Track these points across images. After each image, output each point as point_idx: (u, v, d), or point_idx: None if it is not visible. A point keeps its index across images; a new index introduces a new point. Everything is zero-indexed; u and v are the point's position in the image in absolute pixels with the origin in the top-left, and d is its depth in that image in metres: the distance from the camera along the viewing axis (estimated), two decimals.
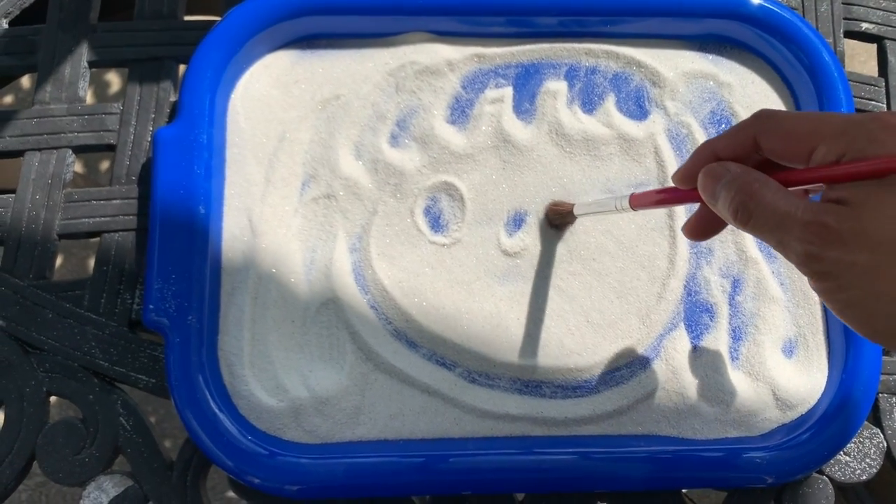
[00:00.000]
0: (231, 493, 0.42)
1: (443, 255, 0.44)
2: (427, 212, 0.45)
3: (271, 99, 0.45)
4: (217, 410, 0.40)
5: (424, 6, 0.46)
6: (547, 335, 0.43)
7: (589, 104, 0.47)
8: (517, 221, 0.45)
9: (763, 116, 0.30)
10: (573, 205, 0.42)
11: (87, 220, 0.44)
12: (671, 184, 0.34)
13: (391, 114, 0.45)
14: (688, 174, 0.32)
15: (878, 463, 0.43)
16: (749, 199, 0.28)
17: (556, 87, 0.46)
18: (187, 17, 0.49)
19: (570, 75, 0.47)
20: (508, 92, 0.46)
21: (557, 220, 0.44)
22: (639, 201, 0.36)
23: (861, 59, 0.99)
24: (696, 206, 0.34)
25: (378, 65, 0.46)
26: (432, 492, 0.41)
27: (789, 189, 0.28)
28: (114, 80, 1.00)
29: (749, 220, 0.28)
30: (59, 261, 0.44)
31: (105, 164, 1.00)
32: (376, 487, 0.40)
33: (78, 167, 0.46)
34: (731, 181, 0.29)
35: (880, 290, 0.26)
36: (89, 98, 0.47)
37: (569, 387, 0.43)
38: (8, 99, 0.97)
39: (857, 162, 0.26)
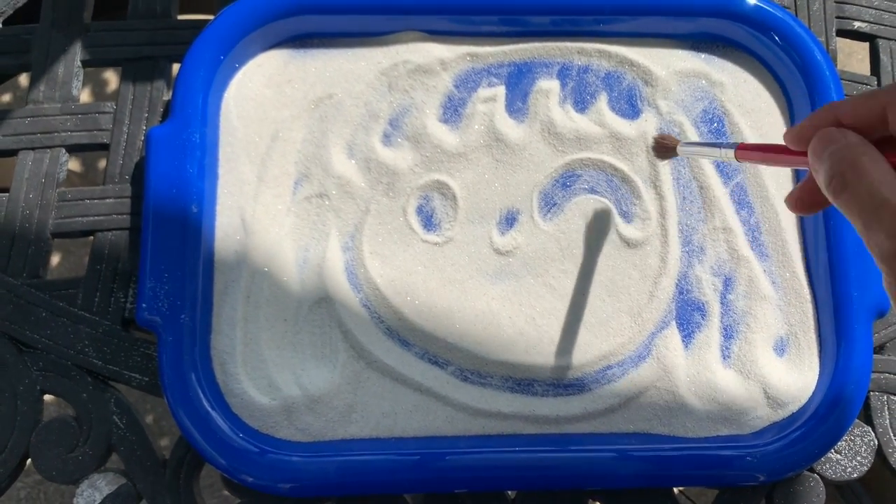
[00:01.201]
0: (227, 493, 0.42)
1: (435, 254, 0.44)
2: (420, 210, 0.45)
3: (264, 98, 0.45)
4: (210, 409, 0.40)
5: (417, 6, 0.46)
6: (539, 333, 0.43)
7: (581, 103, 0.47)
8: (509, 220, 0.45)
9: None
10: (679, 142, 0.41)
11: (80, 218, 0.44)
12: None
13: (384, 113, 0.46)
14: (801, 135, 0.29)
15: (869, 461, 0.43)
16: (850, 171, 0.26)
17: (548, 86, 0.47)
18: (181, 17, 0.49)
19: (563, 74, 0.47)
20: (501, 91, 0.46)
21: (661, 152, 0.43)
22: (745, 154, 0.34)
23: (859, 56, 0.99)
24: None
25: (371, 64, 0.46)
26: (425, 489, 0.41)
27: None
28: (107, 79, 1.00)
29: (842, 192, 0.26)
30: (53, 260, 0.44)
31: (101, 163, 1.00)
32: (369, 485, 0.41)
33: (74, 165, 0.46)
34: (840, 148, 0.27)
35: None
36: (83, 97, 0.47)
37: (560, 385, 0.43)
38: (2, 98, 0.97)
39: None
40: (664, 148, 0.43)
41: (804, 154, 0.29)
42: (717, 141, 0.37)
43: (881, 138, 0.27)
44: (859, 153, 0.26)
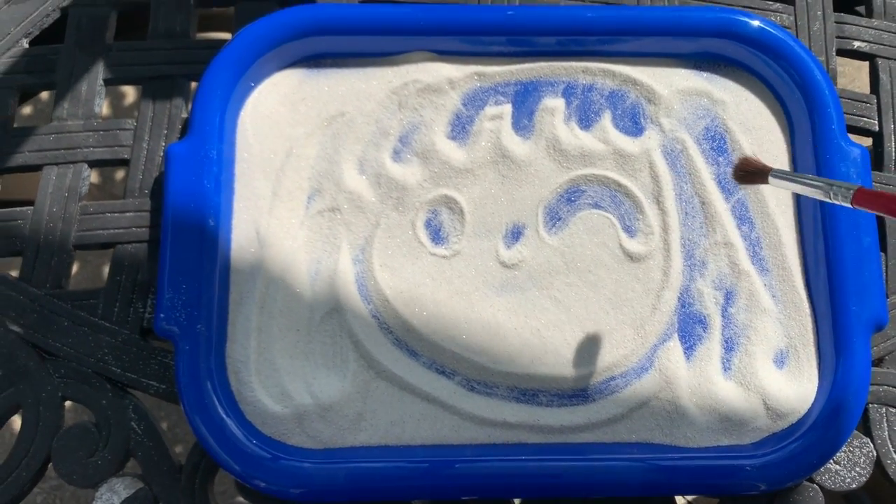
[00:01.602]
0: (240, 499, 0.44)
1: (443, 267, 0.46)
2: (428, 224, 0.46)
3: (279, 116, 0.47)
4: (224, 415, 0.41)
5: (427, 27, 0.47)
6: (543, 345, 0.44)
7: (586, 121, 0.48)
8: (515, 234, 0.46)
9: None
10: (770, 168, 0.35)
11: (101, 231, 0.46)
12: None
13: (394, 130, 0.47)
14: None
15: (868, 472, 0.44)
16: None
17: (553, 105, 0.48)
18: (199, 36, 0.51)
19: (568, 93, 0.48)
20: (507, 109, 0.48)
21: (744, 176, 0.38)
22: (867, 201, 0.29)
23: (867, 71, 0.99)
24: None
25: (381, 83, 0.48)
26: (431, 496, 0.43)
27: None
28: (128, 97, 1.02)
29: None
30: (74, 270, 0.46)
31: (120, 177, 1.02)
32: (377, 491, 0.42)
33: (94, 179, 0.48)
34: None
35: None
36: (105, 114, 0.49)
37: (564, 395, 0.44)
38: (27, 112, 1.00)
39: None
40: (748, 173, 0.38)
41: None
42: (823, 180, 0.30)
43: None
44: None
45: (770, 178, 0.34)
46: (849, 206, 0.30)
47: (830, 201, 0.31)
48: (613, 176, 0.47)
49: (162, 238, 0.43)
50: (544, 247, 0.46)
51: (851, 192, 0.29)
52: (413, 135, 0.47)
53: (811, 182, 0.31)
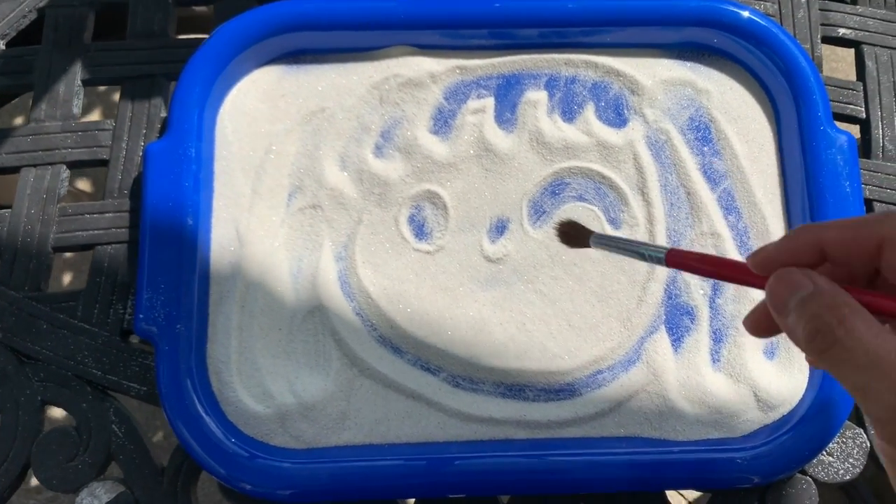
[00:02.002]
0: (225, 501, 0.43)
1: (427, 263, 0.45)
2: (411, 220, 0.46)
3: (258, 113, 0.46)
4: (205, 416, 0.41)
5: (407, 21, 0.47)
6: (529, 339, 0.44)
7: (569, 113, 0.48)
8: (499, 228, 0.46)
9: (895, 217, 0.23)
10: (592, 232, 0.35)
11: (80, 233, 0.46)
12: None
13: (375, 125, 0.47)
14: (776, 258, 0.25)
15: (862, 463, 0.43)
16: (837, 326, 0.22)
17: (536, 97, 0.47)
18: (178, 37, 0.50)
19: (550, 85, 0.48)
20: (490, 102, 0.47)
21: (566, 239, 0.37)
22: (678, 261, 0.29)
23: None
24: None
25: (362, 78, 0.47)
26: (417, 495, 0.42)
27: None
28: (107, 97, 1.02)
29: (829, 349, 0.23)
30: (53, 272, 0.45)
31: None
32: (362, 491, 0.41)
33: (84, 186, 0.47)
34: (811, 297, 0.23)
35: None
36: (83, 115, 0.49)
37: (551, 390, 0.43)
38: (5, 117, 0.99)
39: None
40: (569, 236, 0.37)
41: (762, 279, 0.26)
42: (639, 241, 0.31)
43: (849, 274, 0.24)
44: (839, 303, 0.23)
45: (591, 241, 0.34)
46: (665, 266, 0.30)
47: (647, 262, 0.31)
48: (597, 168, 0.46)
49: (140, 238, 0.43)
50: (529, 240, 0.45)
51: (664, 253, 0.29)
52: (395, 130, 0.47)
53: (626, 245, 0.32)
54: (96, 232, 0.46)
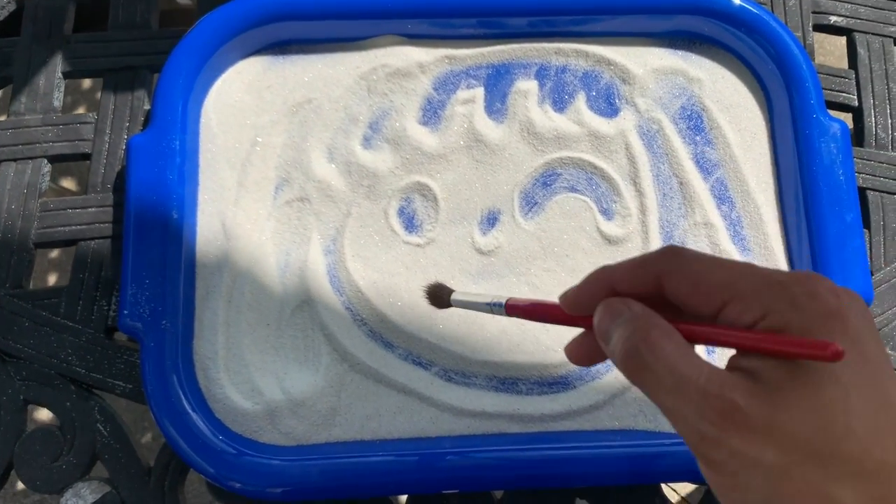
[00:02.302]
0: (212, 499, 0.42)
1: (417, 255, 0.44)
2: (401, 212, 0.45)
3: (244, 104, 0.45)
4: (192, 413, 0.40)
5: (395, 10, 0.46)
6: (522, 332, 0.43)
7: (560, 103, 0.47)
8: (490, 220, 0.45)
9: (670, 254, 0.25)
10: (452, 291, 0.38)
11: (63, 228, 0.45)
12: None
13: (363, 116, 0.46)
14: (577, 300, 0.27)
15: None
16: (644, 348, 0.23)
17: (526, 87, 0.47)
18: (162, 28, 0.49)
19: (541, 75, 0.47)
20: (479, 92, 0.47)
21: (432, 300, 0.39)
22: (515, 310, 0.32)
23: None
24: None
25: (349, 68, 0.46)
26: (410, 491, 0.41)
27: (692, 344, 0.24)
28: (89, 90, 1.01)
29: (640, 372, 0.24)
30: (35, 269, 0.44)
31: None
32: (353, 488, 0.40)
33: (68, 184, 0.46)
34: (628, 321, 0.24)
35: (782, 500, 0.21)
36: (64, 108, 0.48)
37: (545, 383, 0.43)
38: None
39: (779, 336, 0.22)
40: (435, 296, 0.39)
41: (580, 318, 0.27)
42: (490, 298, 0.34)
43: (662, 304, 0.25)
44: (650, 326, 0.24)
45: (452, 299, 0.37)
46: (506, 315, 0.32)
47: (494, 314, 0.34)
48: (589, 158, 0.46)
49: (124, 232, 0.42)
50: (520, 232, 0.45)
51: (503, 302, 0.32)
52: (383, 121, 0.46)
53: (476, 301, 0.35)
54: (79, 227, 0.45)
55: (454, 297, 0.37)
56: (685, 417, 0.23)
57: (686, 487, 0.88)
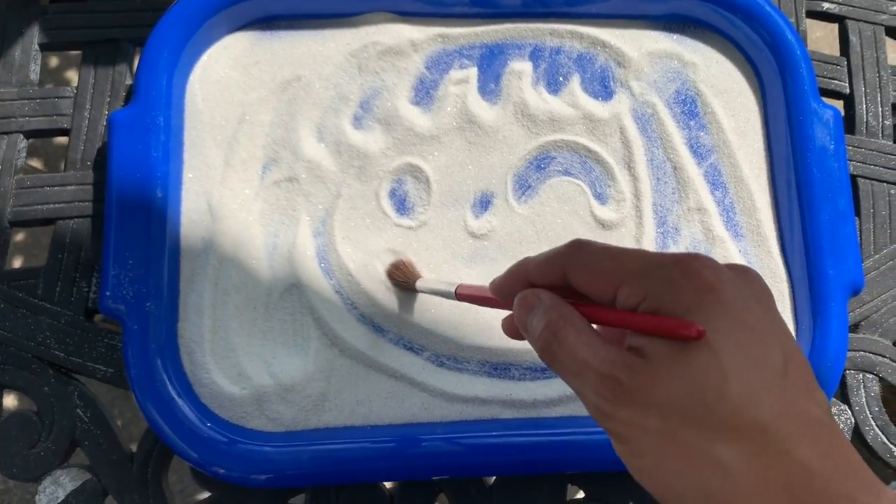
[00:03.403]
0: (201, 496, 0.41)
1: (409, 239, 0.43)
2: (392, 194, 0.44)
3: (230, 81, 0.44)
4: (177, 398, 0.39)
5: None
6: None
7: (554, 84, 0.46)
8: (484, 203, 0.44)
9: (573, 247, 0.27)
10: (419, 278, 0.41)
11: (40, 206, 0.43)
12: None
13: (354, 95, 0.45)
14: (501, 289, 0.30)
15: (847, 439, 0.43)
16: (552, 338, 0.26)
17: (520, 68, 0.46)
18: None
19: (535, 56, 0.46)
20: (473, 72, 0.46)
21: (398, 282, 0.42)
22: (462, 293, 0.35)
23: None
24: None
25: (340, 45, 0.45)
26: (401, 477, 0.40)
27: (604, 328, 0.26)
28: (68, 63, 0.98)
29: (552, 362, 0.26)
30: (11, 248, 0.42)
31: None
32: (343, 474, 0.39)
33: (35, 163, 0.45)
34: (541, 314, 0.27)
35: (671, 463, 0.23)
36: (41, 82, 0.46)
37: (538, 368, 0.42)
38: None
39: (649, 317, 0.24)
40: (400, 280, 0.42)
41: (510, 304, 0.29)
42: (444, 284, 0.37)
43: (576, 292, 0.27)
44: (557, 317, 0.26)
45: (417, 284, 0.40)
46: (454, 297, 0.36)
47: (447, 298, 0.37)
48: (583, 142, 0.45)
49: (106, 211, 0.40)
50: (514, 216, 0.44)
51: (454, 288, 0.36)
52: (374, 100, 0.45)
53: (440, 289, 0.38)
54: (58, 205, 0.43)
55: (419, 283, 0.40)
56: (587, 396, 0.25)
57: None
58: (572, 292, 0.27)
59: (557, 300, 0.27)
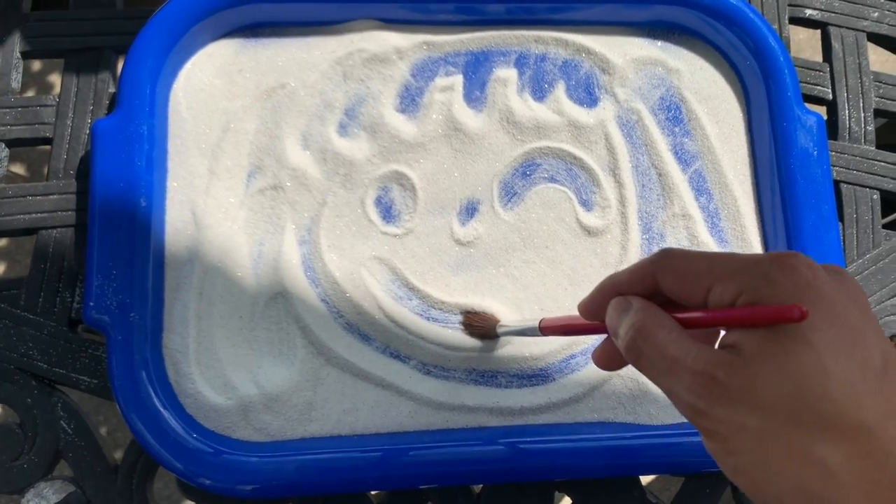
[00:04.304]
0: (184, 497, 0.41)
1: (395, 246, 0.43)
2: (378, 202, 0.44)
3: (214, 88, 0.44)
4: (162, 409, 0.38)
5: None
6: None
7: (539, 91, 0.46)
8: (470, 210, 0.44)
9: (662, 255, 0.27)
10: (497, 322, 0.41)
11: (22, 216, 0.42)
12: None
13: (339, 102, 0.44)
14: (590, 306, 0.30)
15: None
16: (639, 337, 0.26)
17: (506, 75, 0.46)
18: (128, 7, 0.47)
19: (520, 63, 0.47)
20: (458, 80, 0.46)
21: (476, 331, 0.42)
22: (548, 329, 0.35)
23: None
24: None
25: (325, 53, 0.45)
26: (388, 486, 0.40)
27: (692, 331, 0.26)
28: (50, 71, 0.97)
29: (639, 359, 0.26)
30: None
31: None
32: (330, 484, 0.39)
33: (17, 169, 0.44)
34: (631, 315, 0.27)
35: (770, 462, 0.23)
36: (23, 90, 0.45)
37: (524, 375, 0.42)
38: None
39: (748, 307, 0.24)
40: (477, 328, 0.42)
41: (599, 323, 0.29)
42: (527, 322, 0.37)
43: (668, 301, 0.27)
44: (645, 317, 0.26)
45: (497, 329, 0.41)
46: (541, 335, 0.36)
47: (532, 336, 0.38)
48: (569, 148, 0.45)
49: (90, 221, 0.40)
50: (500, 223, 0.44)
51: (538, 323, 0.36)
52: (360, 107, 0.45)
53: (518, 328, 0.39)
54: (40, 215, 0.43)
55: (499, 328, 0.41)
56: (678, 395, 0.25)
57: (663, 479, 0.89)
58: (663, 301, 0.27)
59: (648, 303, 0.27)
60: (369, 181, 0.44)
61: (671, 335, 0.25)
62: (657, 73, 0.47)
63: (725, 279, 0.25)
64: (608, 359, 0.30)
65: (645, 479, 0.77)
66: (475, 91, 0.46)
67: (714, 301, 0.25)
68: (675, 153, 0.46)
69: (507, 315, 0.43)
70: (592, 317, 0.30)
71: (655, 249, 0.44)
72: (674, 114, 0.47)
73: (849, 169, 0.48)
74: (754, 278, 0.24)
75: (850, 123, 0.49)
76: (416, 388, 0.41)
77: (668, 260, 0.27)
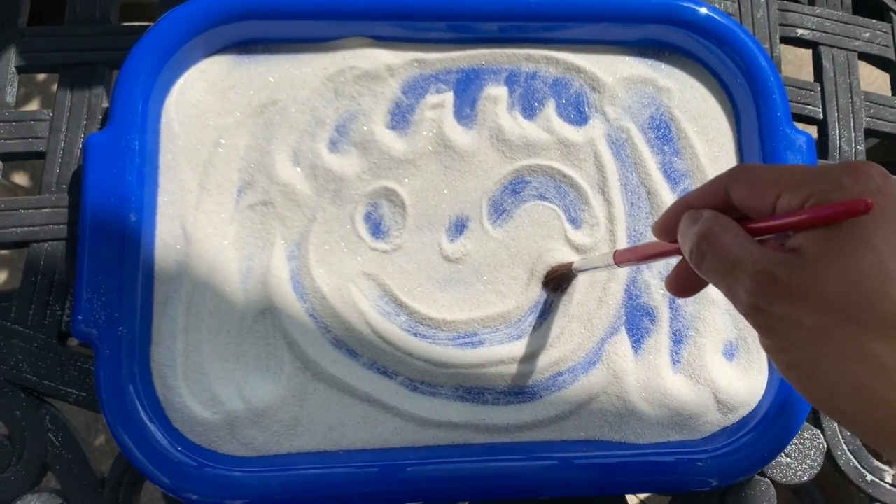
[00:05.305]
0: None
1: (384, 262, 0.43)
2: (367, 218, 0.44)
3: (206, 104, 0.44)
4: (149, 423, 0.39)
5: (363, 10, 0.45)
6: (490, 340, 0.43)
7: (529, 109, 0.46)
8: (459, 227, 0.44)
9: (736, 169, 0.28)
10: (571, 263, 0.42)
11: (14, 229, 0.43)
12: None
13: (330, 119, 0.45)
14: (664, 226, 0.31)
15: (819, 464, 0.44)
16: (703, 241, 0.27)
17: (496, 93, 0.46)
18: (122, 23, 0.48)
19: (511, 81, 0.47)
20: (449, 97, 0.46)
21: (556, 282, 0.43)
22: (622, 258, 0.36)
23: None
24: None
25: (316, 70, 0.45)
26: (374, 503, 0.40)
27: (759, 238, 0.26)
28: (44, 86, 0.98)
29: (702, 261, 0.27)
30: None
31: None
32: (315, 500, 0.39)
33: (20, 180, 0.45)
34: (700, 223, 0.28)
35: (824, 357, 0.24)
36: (17, 105, 0.46)
37: (511, 392, 0.42)
38: None
39: (812, 208, 0.24)
40: (556, 276, 0.43)
41: (672, 244, 0.30)
42: (600, 254, 0.38)
43: (739, 217, 0.28)
44: (712, 223, 0.27)
45: (573, 268, 0.42)
46: (614, 265, 0.37)
47: (606, 267, 0.39)
48: (558, 166, 0.46)
49: (80, 234, 0.40)
50: (489, 239, 0.44)
51: (612, 255, 0.37)
52: (350, 124, 0.45)
53: (596, 260, 0.40)
54: (32, 228, 0.43)
55: (575, 266, 0.42)
56: (738, 295, 0.26)
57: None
58: (736, 218, 0.27)
59: (717, 213, 0.28)
60: (359, 197, 0.44)
61: (736, 239, 0.26)
62: (647, 91, 0.47)
63: (795, 187, 0.25)
64: (682, 282, 0.31)
65: (632, 500, 0.77)
66: (465, 108, 0.46)
67: (782, 208, 0.25)
68: (665, 171, 0.46)
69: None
70: (666, 236, 0.31)
71: (644, 267, 0.45)
72: (663, 132, 0.47)
73: None
74: (823, 184, 0.24)
75: (840, 143, 0.49)
76: (403, 404, 0.41)
77: (740, 172, 0.27)
